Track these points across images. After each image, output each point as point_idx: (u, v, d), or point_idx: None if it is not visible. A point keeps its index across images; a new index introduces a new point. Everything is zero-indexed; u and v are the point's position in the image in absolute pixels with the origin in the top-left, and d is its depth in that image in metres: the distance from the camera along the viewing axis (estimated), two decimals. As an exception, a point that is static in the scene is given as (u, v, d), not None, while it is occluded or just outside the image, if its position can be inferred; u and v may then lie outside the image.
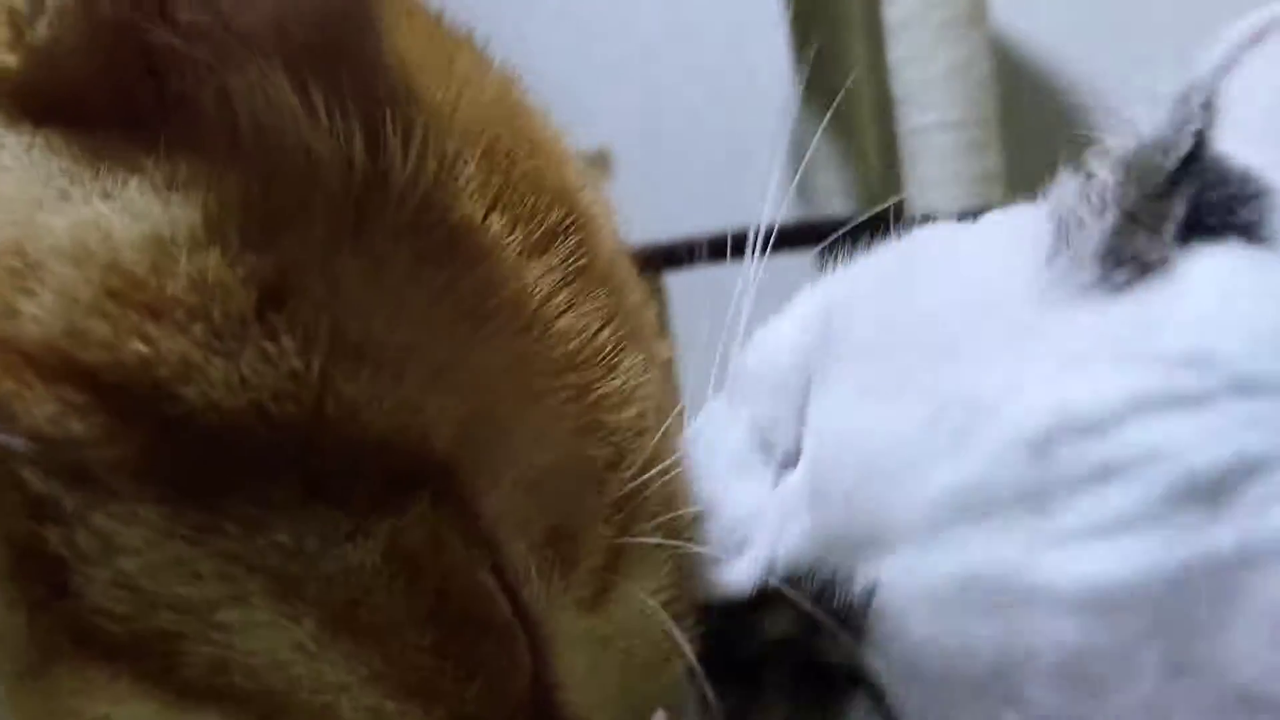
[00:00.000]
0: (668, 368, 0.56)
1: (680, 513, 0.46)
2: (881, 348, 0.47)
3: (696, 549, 0.46)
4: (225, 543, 0.37)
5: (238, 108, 0.41)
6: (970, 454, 0.41)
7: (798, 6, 1.81)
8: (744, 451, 0.51)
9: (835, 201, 1.84)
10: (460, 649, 0.40)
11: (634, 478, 0.44)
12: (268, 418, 0.38)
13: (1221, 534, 0.38)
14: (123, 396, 0.37)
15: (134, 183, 0.40)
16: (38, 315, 0.37)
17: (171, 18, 0.41)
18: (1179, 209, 0.45)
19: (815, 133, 1.85)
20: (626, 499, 0.44)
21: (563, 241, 0.46)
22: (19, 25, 0.41)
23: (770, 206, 0.60)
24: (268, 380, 0.38)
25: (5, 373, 0.36)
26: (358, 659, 0.39)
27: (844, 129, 1.84)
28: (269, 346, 0.38)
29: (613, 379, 0.45)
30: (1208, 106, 0.48)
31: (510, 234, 0.45)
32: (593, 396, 0.44)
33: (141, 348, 0.37)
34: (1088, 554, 0.39)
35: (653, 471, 0.45)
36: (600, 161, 1.33)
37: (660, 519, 0.45)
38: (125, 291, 0.38)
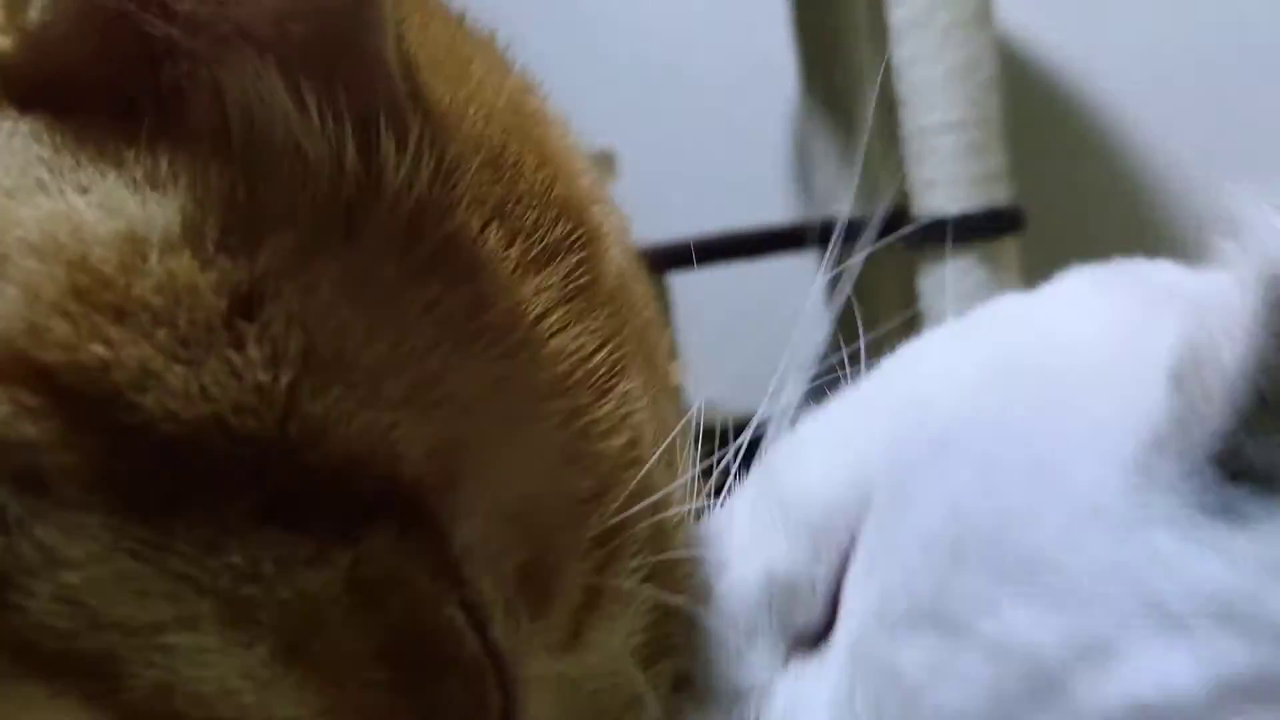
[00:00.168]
0: (674, 393, 0.54)
1: (668, 557, 0.44)
2: (945, 553, 0.40)
3: (680, 601, 0.44)
4: (175, 561, 0.35)
5: (229, 103, 0.40)
6: None
7: (802, 7, 1.81)
8: (755, 607, 0.45)
9: (839, 202, 1.81)
10: (420, 687, 0.38)
11: (618, 513, 0.42)
12: (228, 432, 0.36)
13: None
14: (79, 400, 0.35)
15: (112, 176, 0.38)
16: None
17: (169, 7, 0.39)
18: None
19: (819, 134, 1.85)
20: (608, 535, 0.42)
21: (564, 258, 0.44)
22: (12, 7, 0.39)
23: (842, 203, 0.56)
24: (230, 392, 0.36)
25: (-41, 369, 0.35)
26: (310, 691, 0.37)
27: (848, 129, 1.83)
28: (235, 357, 0.36)
29: (603, 405, 0.43)
30: None
31: (508, 248, 0.42)
32: (580, 423, 0.42)
33: (101, 351, 0.35)
34: None
35: (639, 507, 0.42)
36: (604, 162, 1.32)
37: (645, 559, 0.43)
38: (91, 290, 0.36)
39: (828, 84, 1.83)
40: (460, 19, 0.53)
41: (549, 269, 0.44)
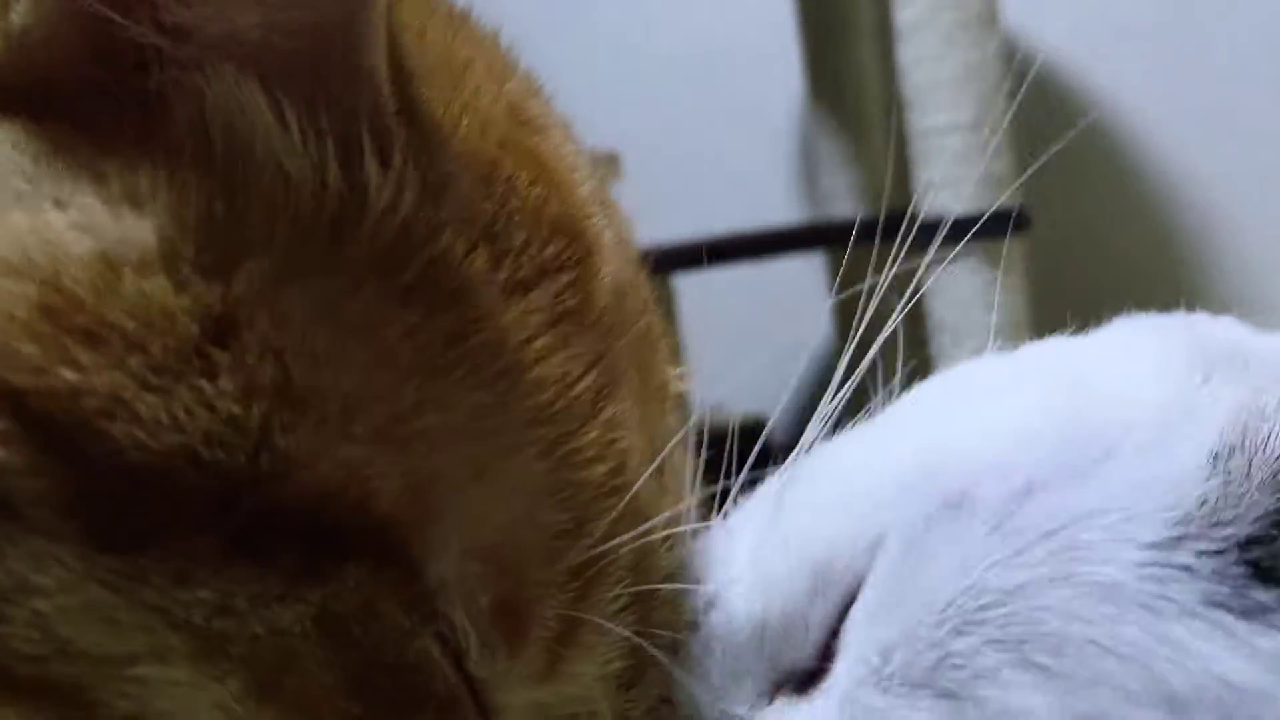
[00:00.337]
0: (673, 402, 0.52)
1: (650, 587, 0.43)
2: (953, 615, 0.39)
3: (658, 648, 0.43)
4: (147, 593, 0.35)
5: (210, 116, 0.39)
6: None
7: (808, 8, 1.80)
8: (745, 644, 0.43)
9: (843, 204, 1.82)
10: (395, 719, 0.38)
11: (597, 544, 0.41)
12: (198, 463, 0.35)
13: None
14: (50, 426, 0.35)
15: (90, 191, 0.37)
16: None
17: (156, 14, 0.38)
18: None
19: (824, 135, 1.85)
20: (586, 566, 0.41)
21: (554, 278, 0.43)
22: (-2, 10, 0.39)
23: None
24: (201, 423, 0.35)
25: (-70, 391, 0.34)
26: None
27: (853, 131, 1.81)
28: (206, 386, 0.36)
29: (586, 433, 0.42)
30: None
31: (495, 270, 0.41)
32: (561, 452, 0.41)
33: (71, 376, 0.35)
34: None
35: (619, 539, 0.42)
36: (609, 163, 1.31)
37: (627, 587, 0.42)
38: (63, 311, 0.35)
39: (833, 85, 1.82)
40: (463, 18, 0.51)
41: (537, 291, 0.42)
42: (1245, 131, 1.72)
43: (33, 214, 0.36)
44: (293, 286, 0.37)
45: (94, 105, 0.39)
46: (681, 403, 0.54)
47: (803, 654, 0.43)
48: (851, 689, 0.40)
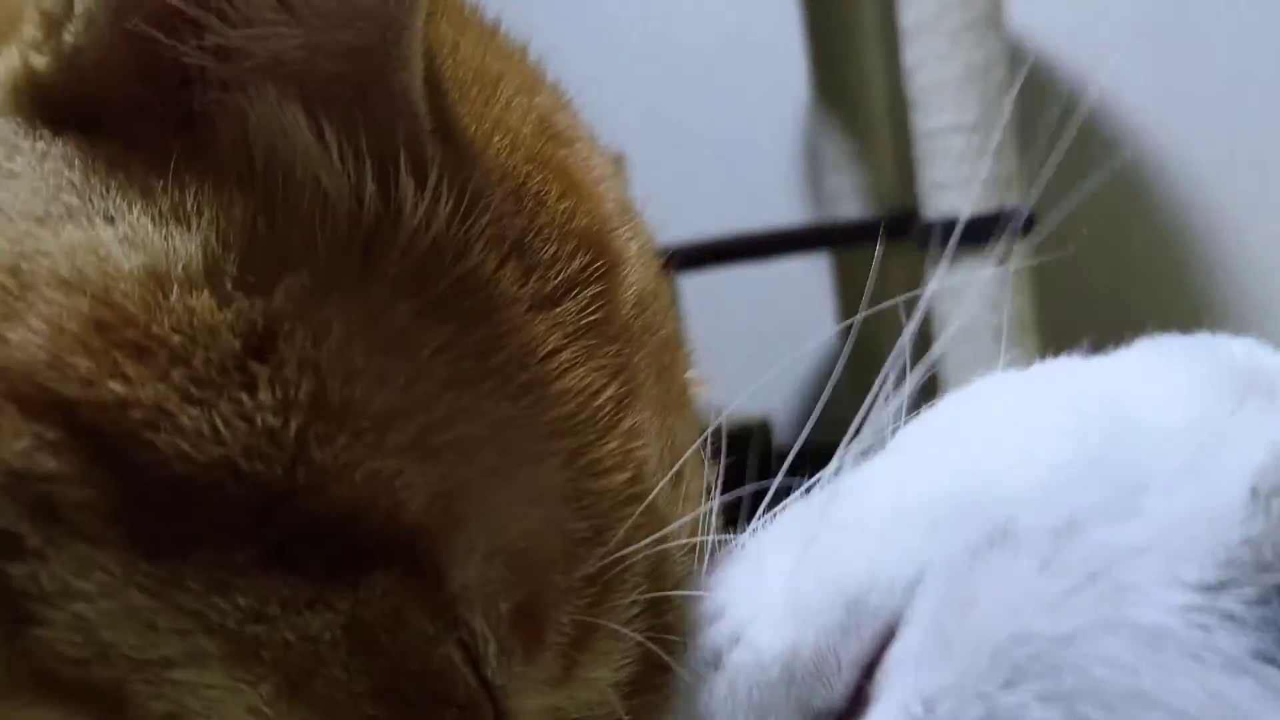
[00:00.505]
0: (691, 409, 0.53)
1: (664, 594, 0.44)
2: (1001, 664, 0.37)
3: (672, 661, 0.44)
4: (185, 598, 0.36)
5: (253, 135, 0.40)
6: None
7: (813, 9, 1.80)
8: (775, 682, 0.42)
9: (849, 204, 1.82)
10: None
11: (614, 550, 0.42)
12: (238, 475, 0.37)
13: None
14: (98, 436, 0.36)
15: (139, 208, 0.39)
16: (24, 342, 0.36)
17: (202, 35, 0.40)
18: None
19: (829, 136, 1.85)
20: (603, 572, 0.42)
21: (580, 292, 0.44)
22: (50, 28, 0.40)
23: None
24: (240, 435, 0.37)
25: (-15, 400, 0.36)
26: None
27: (858, 132, 1.81)
28: (246, 400, 0.37)
29: (607, 443, 0.43)
30: None
31: (523, 285, 0.43)
32: (582, 462, 0.42)
33: (120, 388, 0.36)
34: None
35: (637, 546, 0.43)
36: (615, 164, 1.32)
37: (643, 593, 0.43)
38: (113, 325, 0.37)
39: (838, 86, 1.82)
40: (494, 31, 0.52)
41: (563, 304, 0.44)
42: (1250, 132, 1.72)
43: (85, 229, 0.38)
44: (329, 302, 0.39)
45: (142, 124, 0.40)
46: (700, 410, 0.54)
47: (834, 694, 0.41)
48: None
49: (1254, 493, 0.37)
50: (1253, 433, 0.39)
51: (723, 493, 0.51)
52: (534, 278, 0.43)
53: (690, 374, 0.55)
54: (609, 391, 0.44)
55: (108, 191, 0.39)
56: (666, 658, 0.44)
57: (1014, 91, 1.42)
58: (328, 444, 0.37)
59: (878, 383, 0.49)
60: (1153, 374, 0.45)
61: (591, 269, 0.45)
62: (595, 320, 0.44)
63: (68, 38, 0.39)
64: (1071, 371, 0.47)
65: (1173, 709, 0.35)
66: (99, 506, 0.36)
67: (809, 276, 1.75)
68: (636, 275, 0.49)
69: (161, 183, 0.39)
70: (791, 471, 0.50)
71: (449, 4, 0.49)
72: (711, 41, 2.00)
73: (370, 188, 0.40)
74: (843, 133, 1.82)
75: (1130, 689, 0.36)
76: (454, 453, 0.39)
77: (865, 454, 0.48)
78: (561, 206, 0.46)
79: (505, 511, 0.40)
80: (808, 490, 0.48)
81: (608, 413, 0.43)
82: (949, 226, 1.37)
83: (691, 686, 0.44)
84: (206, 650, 0.37)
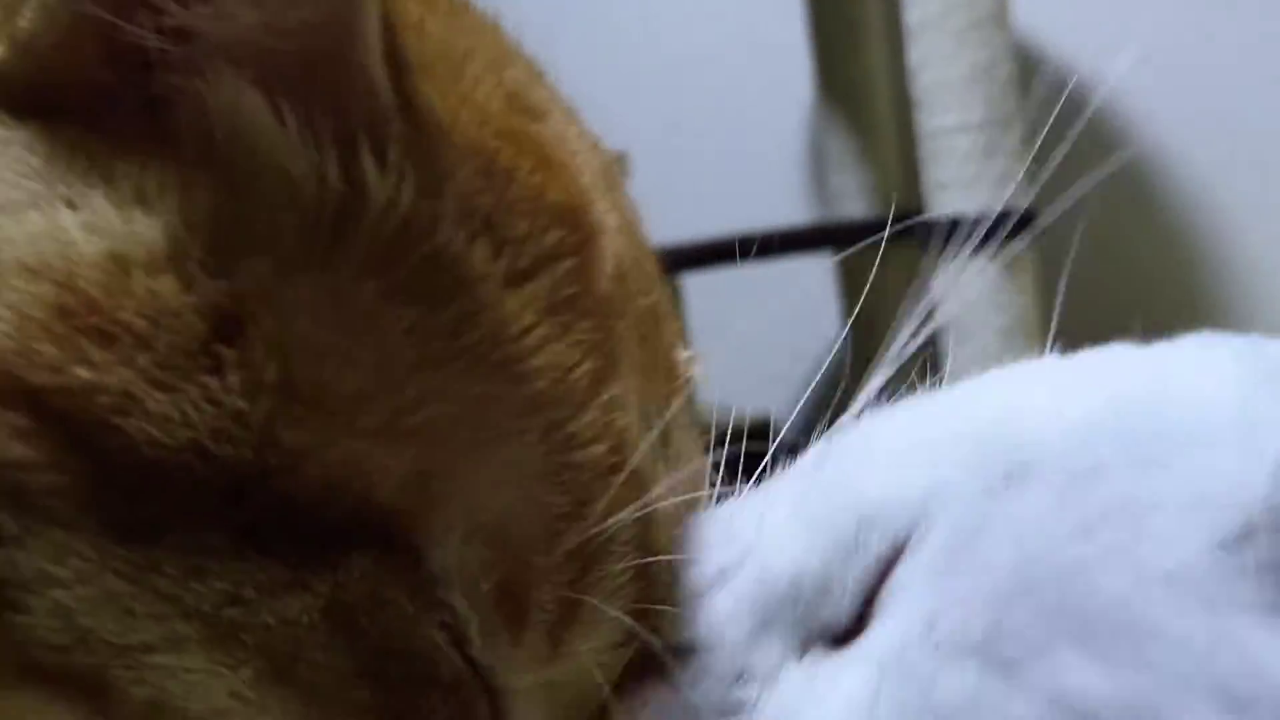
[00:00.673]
0: (678, 376, 0.53)
1: (650, 559, 0.44)
2: (1008, 587, 0.38)
3: (658, 640, 0.44)
4: (162, 583, 0.36)
5: (214, 117, 0.40)
6: None
7: (817, 8, 1.80)
8: (781, 597, 0.43)
9: (853, 204, 1.82)
10: (404, 705, 0.39)
11: (596, 523, 0.42)
12: (207, 458, 0.36)
13: None
14: (68, 423, 0.36)
15: (101, 192, 0.38)
16: None
17: (159, 18, 0.39)
18: None
19: (834, 135, 1.85)
20: (585, 545, 0.42)
21: (554, 266, 0.44)
22: (5, 14, 0.39)
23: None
24: (209, 419, 0.36)
25: (-46, 390, 0.35)
26: (296, 712, 0.38)
27: (862, 131, 1.81)
28: (213, 383, 0.37)
29: (584, 416, 0.43)
30: None
31: (495, 260, 0.42)
32: (559, 436, 0.42)
33: (85, 374, 0.36)
34: None
35: (619, 517, 0.42)
36: (618, 163, 1.32)
37: (631, 560, 0.43)
38: (77, 311, 0.37)
39: (843, 85, 1.82)
40: (463, 7, 0.52)
41: (537, 279, 0.43)
42: (1254, 131, 1.72)
43: (46, 215, 0.38)
44: (296, 283, 0.38)
45: (103, 108, 0.40)
46: (690, 382, 0.54)
47: (839, 610, 0.42)
48: (895, 650, 0.39)
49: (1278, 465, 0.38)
50: None
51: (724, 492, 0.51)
52: (505, 254, 0.43)
53: (680, 346, 0.55)
54: (586, 365, 0.43)
55: (70, 177, 0.38)
56: (648, 636, 0.43)
57: (1019, 91, 1.42)
58: (296, 426, 0.37)
59: (877, 379, 0.50)
60: (1198, 360, 0.45)
61: (565, 243, 0.45)
62: (571, 294, 0.44)
63: (23, 23, 0.39)
64: (1114, 352, 0.47)
65: (1184, 645, 0.36)
66: (71, 493, 0.36)
67: (813, 276, 1.74)
68: (615, 246, 0.48)
69: (123, 167, 0.39)
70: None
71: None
72: (716, 40, 2.00)
73: (332, 168, 0.40)
74: (847, 132, 1.82)
75: (1142, 621, 0.36)
76: (427, 433, 0.39)
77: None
78: (533, 180, 0.45)
79: (483, 490, 0.40)
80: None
81: (585, 386, 0.43)
82: (954, 226, 1.37)
83: (696, 604, 0.44)
84: (185, 635, 0.36)
